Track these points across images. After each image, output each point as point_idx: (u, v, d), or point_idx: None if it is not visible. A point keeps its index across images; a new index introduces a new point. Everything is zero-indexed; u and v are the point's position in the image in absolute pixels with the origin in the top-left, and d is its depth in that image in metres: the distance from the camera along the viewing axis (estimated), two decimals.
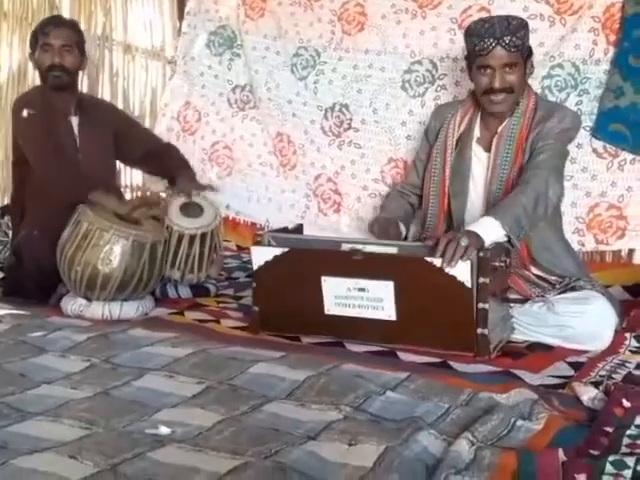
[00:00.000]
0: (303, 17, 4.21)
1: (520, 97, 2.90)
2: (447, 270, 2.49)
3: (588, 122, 3.48)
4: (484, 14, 3.50)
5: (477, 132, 3.01)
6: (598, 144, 3.48)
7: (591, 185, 3.50)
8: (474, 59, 2.86)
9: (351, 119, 4.06)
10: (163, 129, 4.66)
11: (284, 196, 4.30)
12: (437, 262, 2.50)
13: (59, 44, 3.33)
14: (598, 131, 3.47)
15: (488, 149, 2.95)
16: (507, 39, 2.77)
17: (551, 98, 3.45)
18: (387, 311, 2.62)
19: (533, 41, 3.43)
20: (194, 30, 4.61)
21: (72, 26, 3.45)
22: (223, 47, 4.51)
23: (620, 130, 3.40)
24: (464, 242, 2.47)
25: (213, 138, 4.54)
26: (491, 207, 2.80)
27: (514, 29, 2.78)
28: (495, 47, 2.78)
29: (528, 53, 2.86)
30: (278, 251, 2.74)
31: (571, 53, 3.52)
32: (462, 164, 2.99)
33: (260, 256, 2.77)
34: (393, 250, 2.68)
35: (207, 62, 4.56)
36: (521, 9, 3.54)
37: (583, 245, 3.53)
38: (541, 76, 3.54)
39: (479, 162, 2.98)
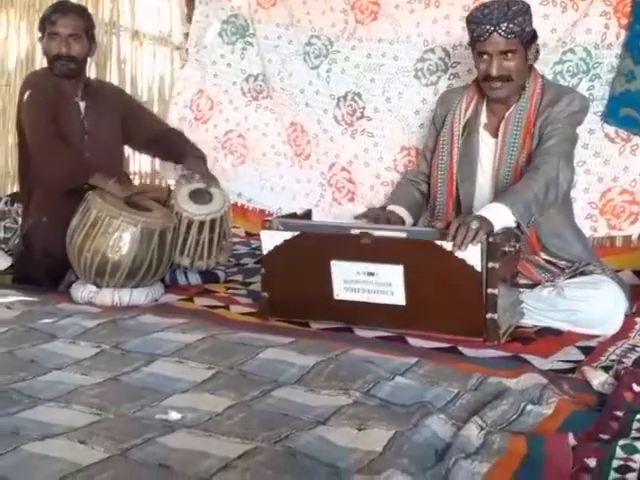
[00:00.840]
0: (315, 5, 4.19)
1: (526, 82, 2.89)
2: (457, 254, 2.49)
3: (600, 107, 3.47)
4: None
5: (484, 118, 2.99)
6: (610, 129, 3.47)
7: (603, 170, 3.49)
8: (474, 45, 2.86)
9: (364, 107, 4.05)
10: (175, 118, 4.67)
11: (299, 185, 4.31)
12: (447, 245, 2.50)
13: (66, 33, 3.30)
14: (609, 116, 3.44)
15: (495, 135, 2.94)
16: (504, 26, 2.74)
17: (563, 83, 3.42)
18: (396, 296, 2.62)
19: (546, 27, 3.44)
20: (206, 19, 4.60)
21: (80, 13, 3.41)
22: (236, 36, 4.50)
23: (631, 114, 3.38)
24: (475, 225, 2.47)
25: (226, 126, 4.54)
26: (500, 193, 2.79)
27: (512, 15, 2.75)
28: (492, 34, 2.76)
29: (530, 38, 2.83)
30: (288, 235, 2.74)
31: (582, 38, 3.50)
32: (470, 150, 2.98)
33: (270, 240, 2.77)
34: (402, 235, 2.68)
35: (220, 51, 4.55)
36: None
37: (596, 230, 3.52)
38: (553, 62, 3.53)
39: (487, 148, 2.96)
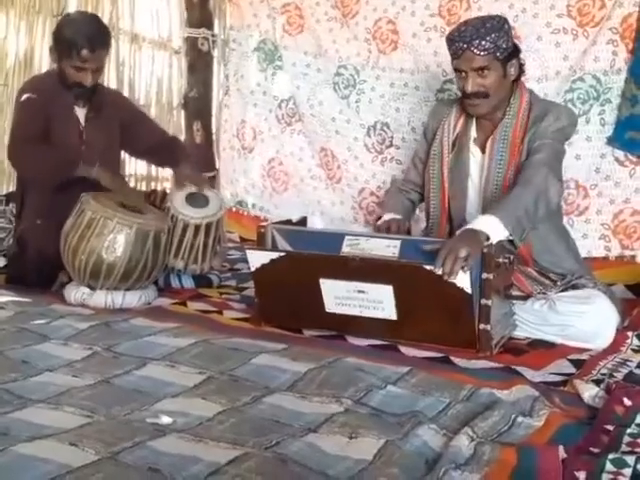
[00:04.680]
0: (340, 33, 4.26)
1: (512, 97, 2.90)
2: (446, 278, 2.48)
3: (611, 131, 3.52)
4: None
5: (474, 132, 3.00)
6: (619, 153, 3.53)
7: (615, 192, 3.55)
8: (452, 62, 2.88)
9: (392, 137, 4.14)
10: (227, 146, 4.79)
11: (334, 209, 4.39)
12: (436, 270, 2.47)
13: (92, 68, 3.27)
14: (615, 140, 3.50)
15: (484, 150, 2.94)
16: (476, 43, 2.76)
17: (575, 111, 3.38)
18: (387, 311, 2.61)
19: (558, 55, 3.53)
20: (240, 47, 4.68)
21: (106, 43, 3.34)
22: (266, 62, 4.57)
23: (635, 138, 3.44)
24: (463, 253, 2.43)
25: (269, 155, 4.62)
26: (492, 204, 2.78)
27: (484, 33, 2.76)
28: (465, 51, 2.78)
29: (508, 54, 2.81)
30: (274, 255, 2.72)
31: (591, 66, 3.54)
32: (460, 165, 2.98)
33: (256, 259, 2.74)
34: (396, 243, 2.67)
35: (256, 80, 4.63)
36: (544, 24, 3.59)
37: (609, 250, 3.58)
38: (564, 90, 3.58)
39: (476, 163, 2.97)
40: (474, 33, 2.77)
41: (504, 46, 2.79)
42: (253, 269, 2.77)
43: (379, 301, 2.60)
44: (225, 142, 4.80)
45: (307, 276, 2.66)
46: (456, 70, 2.87)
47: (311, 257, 2.68)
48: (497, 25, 2.80)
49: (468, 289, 2.47)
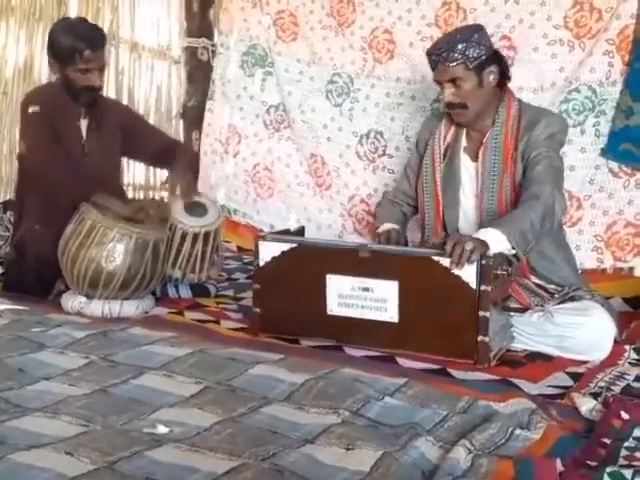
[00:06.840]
0: (335, 42, 4.25)
1: (499, 106, 2.91)
2: (453, 270, 2.50)
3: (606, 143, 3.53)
4: (506, 42, 3.61)
5: (464, 141, 3.02)
6: (614, 164, 3.52)
7: (608, 204, 3.54)
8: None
9: (385, 146, 4.11)
10: (208, 150, 4.74)
11: (322, 216, 4.34)
12: (443, 261, 2.52)
13: (97, 67, 3.28)
14: (609, 151, 3.50)
15: (475, 159, 2.96)
16: (445, 55, 2.80)
17: (570, 121, 3.41)
18: (390, 312, 2.63)
19: (554, 66, 3.53)
20: (227, 51, 4.66)
21: (104, 41, 3.36)
22: (255, 67, 4.55)
23: (630, 149, 3.44)
24: (469, 246, 2.49)
25: (254, 160, 4.58)
26: (498, 218, 2.79)
27: (454, 44, 2.80)
28: (438, 63, 2.84)
29: (481, 62, 2.82)
30: (286, 246, 2.75)
31: (587, 77, 3.54)
32: (452, 174, 3.00)
33: (267, 251, 2.77)
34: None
35: (242, 84, 4.60)
36: (541, 36, 3.59)
37: (602, 262, 3.57)
38: (559, 101, 3.57)
39: (467, 172, 2.98)
40: (444, 45, 2.82)
41: (474, 55, 2.81)
42: (262, 263, 2.79)
43: (383, 300, 2.63)
44: (207, 146, 4.75)
45: (314, 271, 2.69)
46: (435, 82, 2.92)
47: (321, 249, 2.74)
48: (466, 35, 2.83)
49: (473, 283, 2.50)
